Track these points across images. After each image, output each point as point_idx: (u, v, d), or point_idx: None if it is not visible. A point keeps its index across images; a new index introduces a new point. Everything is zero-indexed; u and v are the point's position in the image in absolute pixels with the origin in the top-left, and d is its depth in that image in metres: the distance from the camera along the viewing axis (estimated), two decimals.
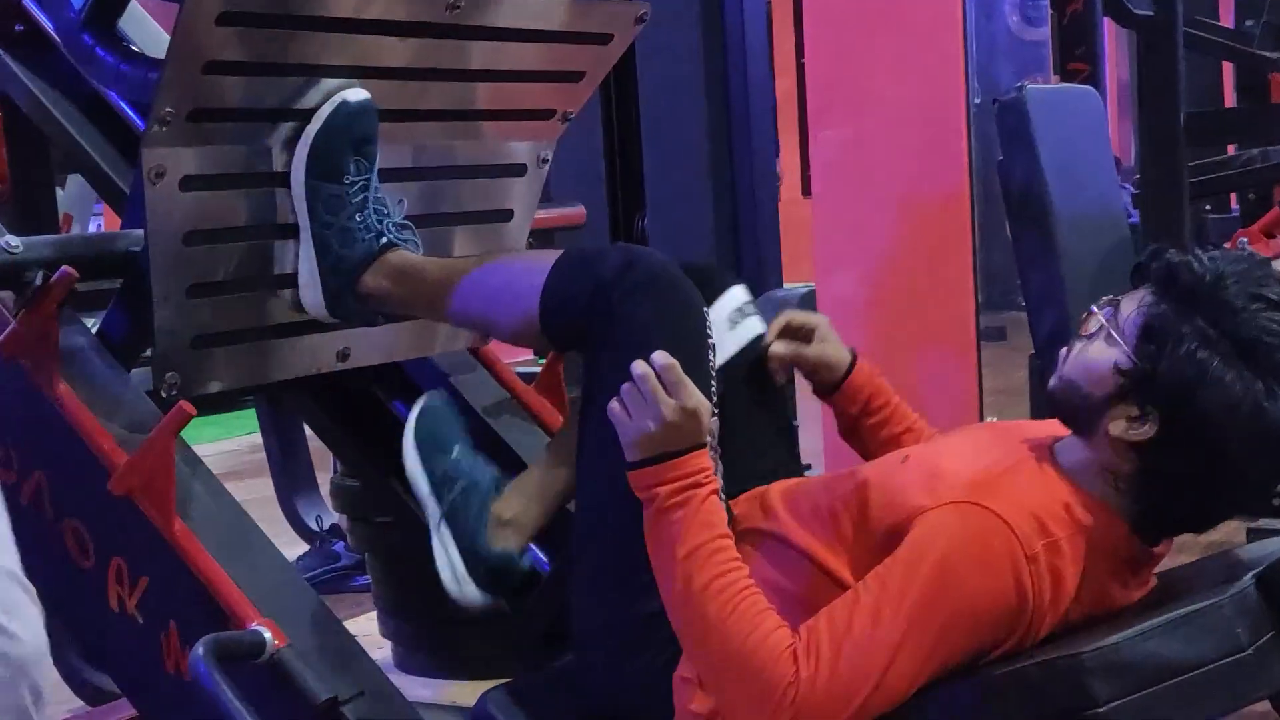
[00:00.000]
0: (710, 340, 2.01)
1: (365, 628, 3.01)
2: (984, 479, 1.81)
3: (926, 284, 3.30)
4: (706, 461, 1.85)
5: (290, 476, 4.25)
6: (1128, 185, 5.50)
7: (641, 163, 3.54)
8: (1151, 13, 4.53)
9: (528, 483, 2.24)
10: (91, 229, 6.56)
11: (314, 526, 4.19)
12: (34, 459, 2.12)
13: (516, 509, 2.21)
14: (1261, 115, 5.39)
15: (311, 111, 2.20)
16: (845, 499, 1.91)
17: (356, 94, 2.21)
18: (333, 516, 3.98)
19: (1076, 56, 4.46)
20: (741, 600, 1.78)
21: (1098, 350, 1.84)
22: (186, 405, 2.00)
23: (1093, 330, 1.87)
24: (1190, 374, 1.76)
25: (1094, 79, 4.33)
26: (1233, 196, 6.02)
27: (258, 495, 3.24)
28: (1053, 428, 2.00)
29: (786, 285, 3.50)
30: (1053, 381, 1.90)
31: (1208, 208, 5.96)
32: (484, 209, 2.43)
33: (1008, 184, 3.00)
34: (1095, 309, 1.88)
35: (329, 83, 2.20)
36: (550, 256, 2.10)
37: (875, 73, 3.32)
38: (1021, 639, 1.75)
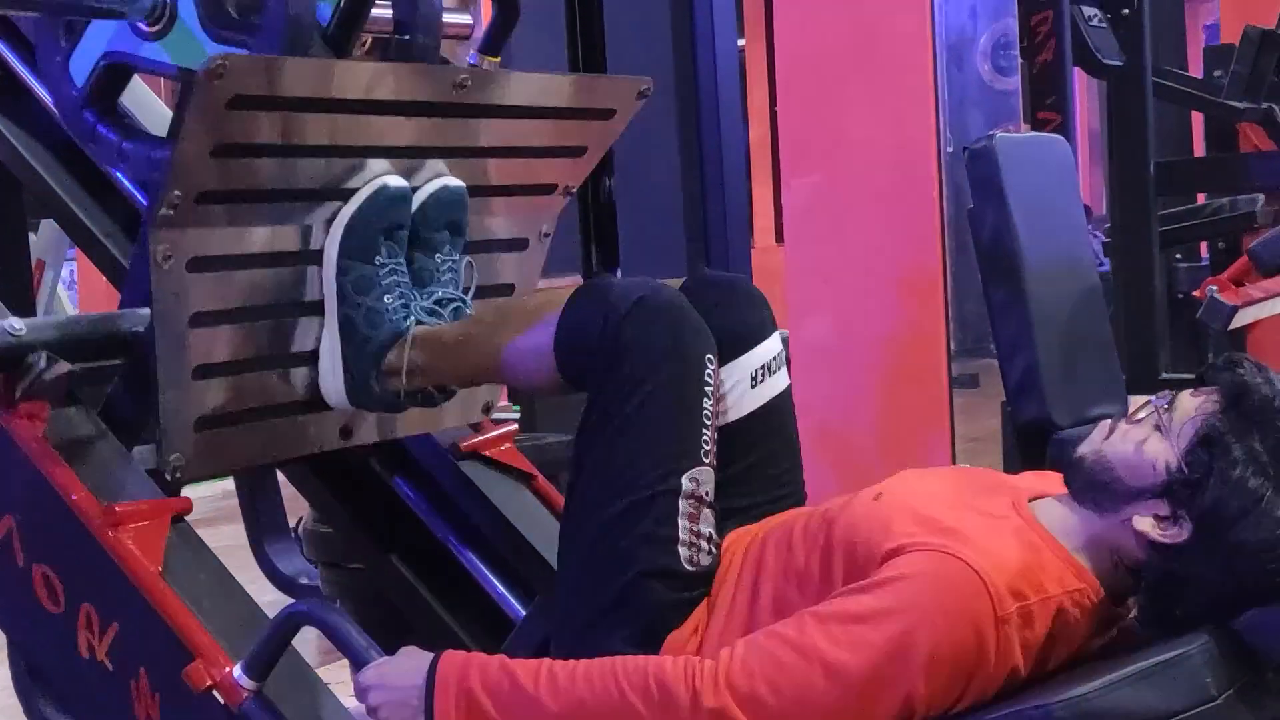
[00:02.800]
0: (708, 389, 2.01)
1: (338, 675, 2.99)
2: (964, 529, 1.79)
3: (899, 331, 3.31)
4: (452, 662, 1.83)
5: (262, 524, 4.23)
6: (1098, 233, 5.52)
7: (614, 208, 3.55)
8: (1121, 63, 4.57)
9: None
10: (64, 273, 6.53)
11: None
12: (4, 503, 2.11)
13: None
14: (1230, 164, 5.42)
15: (339, 193, 2.20)
16: (813, 537, 1.91)
17: (396, 180, 2.22)
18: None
19: (1047, 105, 4.48)
20: (595, 664, 1.78)
21: (1145, 441, 1.81)
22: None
23: (1141, 418, 1.84)
24: (1238, 499, 1.74)
25: (1064, 128, 4.36)
26: (1203, 245, 6.06)
27: (230, 542, 3.22)
28: (1031, 480, 2.00)
29: None
30: (1087, 451, 1.87)
31: (1178, 256, 5.99)
32: (488, 284, 2.43)
33: (978, 232, 3.01)
34: (1154, 400, 1.85)
35: (374, 165, 2.20)
36: (567, 293, 2.10)
37: (848, 121, 3.34)
38: (972, 696, 1.74)
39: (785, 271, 3.46)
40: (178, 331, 2.09)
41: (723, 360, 2.07)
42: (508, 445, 2.62)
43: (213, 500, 5.62)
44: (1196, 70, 6.06)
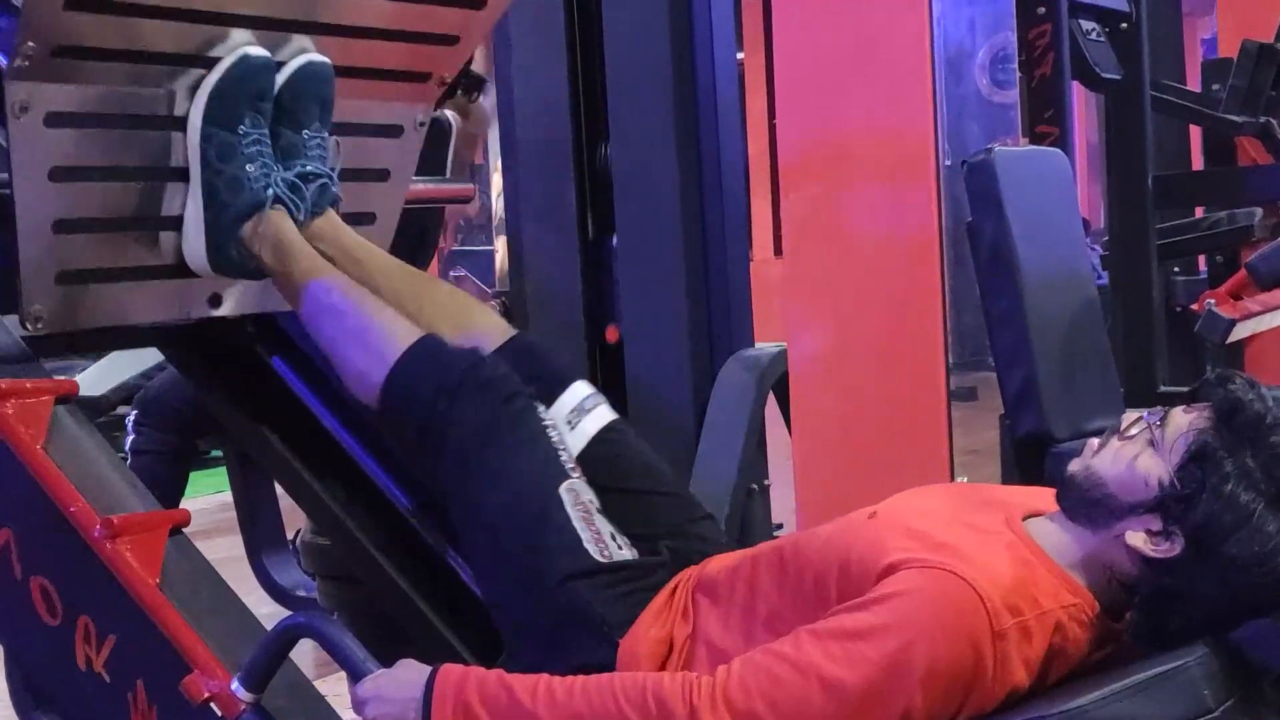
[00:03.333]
0: (546, 423, 2.14)
1: (335, 687, 2.99)
2: (959, 545, 1.80)
3: (897, 344, 3.31)
4: (450, 675, 1.85)
5: (260, 535, 4.23)
6: (1096, 247, 5.53)
7: (613, 223, 3.55)
8: (1119, 77, 4.57)
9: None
10: None
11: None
12: (1, 515, 2.11)
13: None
14: (1228, 178, 5.42)
15: (202, 60, 2.22)
16: (809, 556, 1.91)
17: (258, 50, 2.26)
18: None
19: (1045, 119, 4.49)
20: (593, 680, 1.80)
21: (1137, 457, 1.82)
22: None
23: (1134, 434, 1.85)
24: (1230, 514, 1.74)
25: (1063, 141, 4.36)
26: (1201, 258, 6.06)
27: (227, 554, 3.22)
28: (1025, 496, 2.00)
29: (758, 344, 3.50)
30: (1077, 468, 1.87)
31: (1176, 269, 5.98)
32: (360, 168, 2.45)
33: (976, 245, 3.01)
34: (1146, 415, 1.86)
35: (236, 35, 2.22)
36: (407, 334, 2.19)
37: (846, 134, 3.33)
38: (970, 711, 1.74)
39: (784, 284, 3.45)
40: (37, 184, 2.11)
41: None
42: None
43: (210, 512, 5.63)
44: (1195, 84, 6.06)
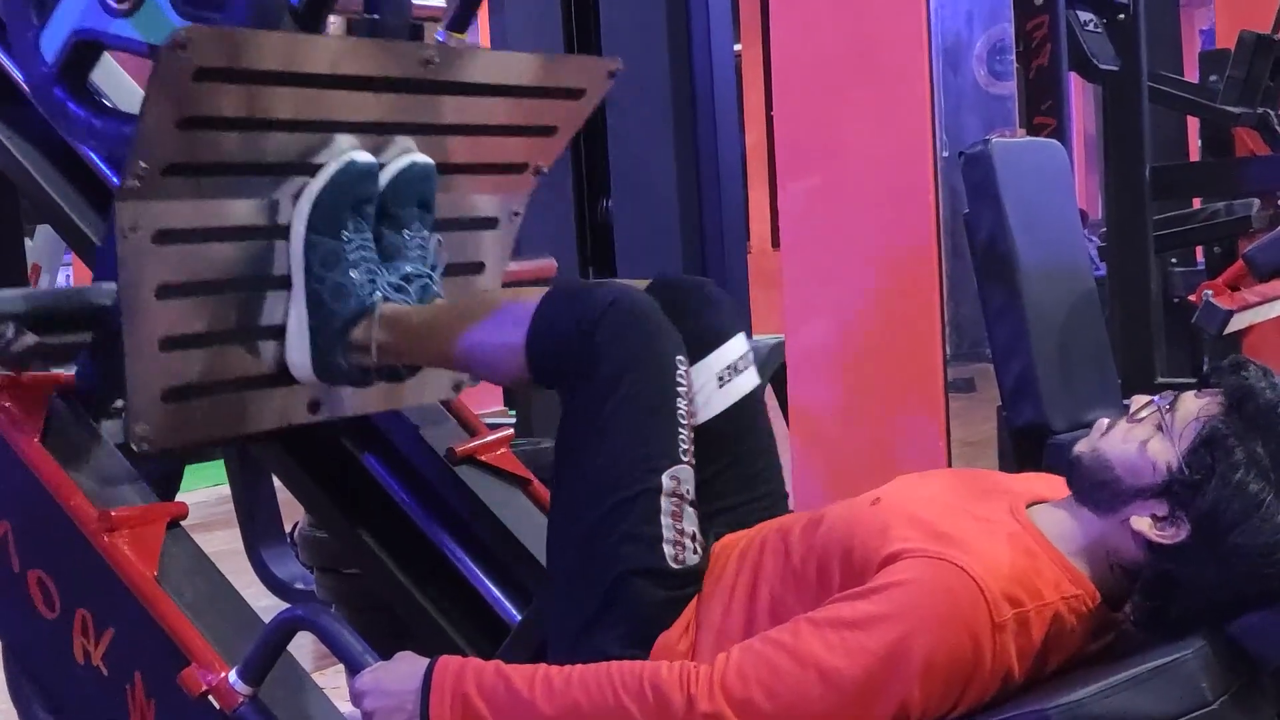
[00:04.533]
0: (680, 390, 2.02)
1: (333, 680, 2.99)
2: (961, 534, 1.79)
3: (895, 335, 3.31)
4: (448, 667, 1.83)
5: (258, 529, 4.23)
6: (1094, 238, 5.53)
7: (611, 213, 3.55)
8: (1117, 68, 4.57)
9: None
10: (61, 279, 6.52)
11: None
12: None
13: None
14: (1226, 169, 5.43)
15: (306, 168, 2.20)
16: (812, 543, 1.91)
17: (364, 156, 2.23)
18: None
19: (1043, 110, 4.49)
20: (590, 669, 1.78)
21: (1146, 441, 1.81)
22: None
23: (1143, 417, 1.84)
24: (1238, 502, 1.73)
25: (1060, 133, 4.36)
26: (1198, 249, 6.06)
27: (226, 547, 3.23)
28: (1029, 483, 2.00)
29: (756, 336, 3.51)
30: (1084, 450, 1.87)
31: (1173, 260, 5.99)
32: (457, 261, 2.43)
33: (974, 236, 3.01)
34: (1156, 399, 1.85)
35: (340, 140, 2.20)
36: (540, 291, 2.10)
37: (844, 125, 3.34)
38: (968, 703, 1.74)
39: (783, 276, 3.46)
40: (144, 303, 2.09)
41: (690, 362, 2.08)
42: (504, 450, 2.63)
43: (208, 505, 5.63)
44: (1192, 75, 6.07)
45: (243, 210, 2.19)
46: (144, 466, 2.22)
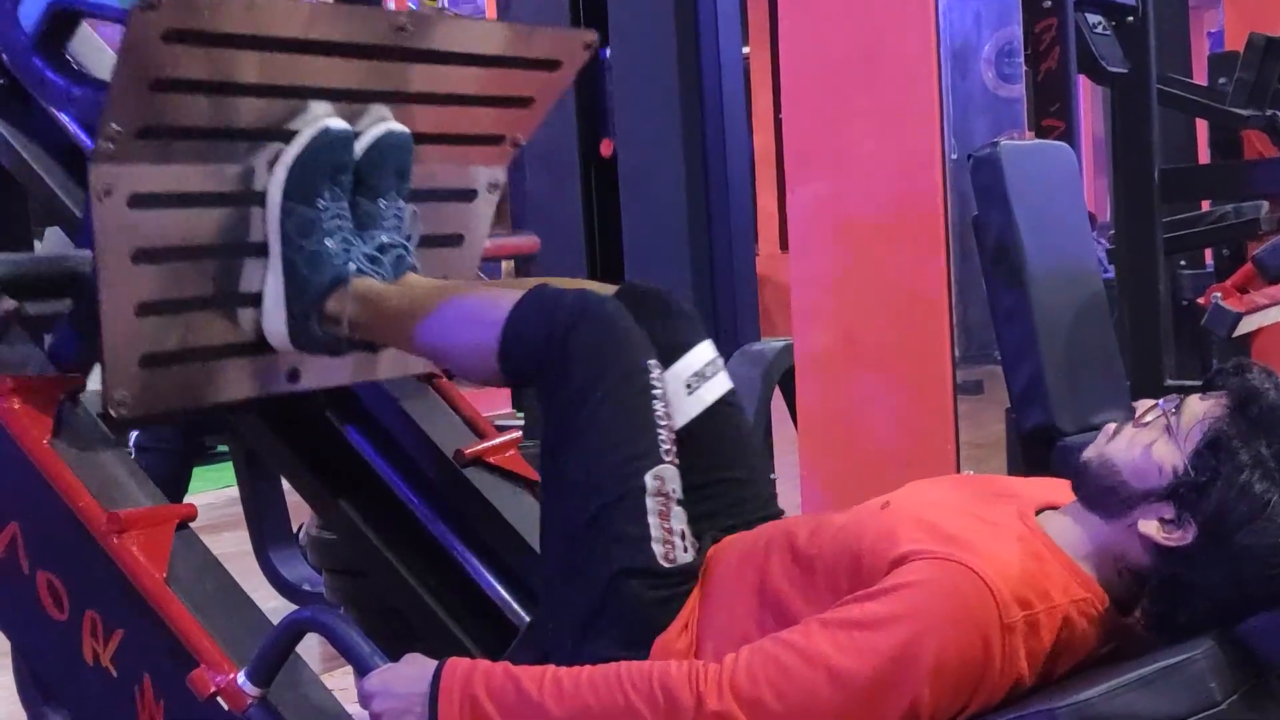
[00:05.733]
0: (655, 392, 2.03)
1: (341, 681, 2.99)
2: (970, 537, 1.79)
3: (904, 338, 3.31)
4: (456, 669, 1.83)
5: (266, 530, 4.24)
6: (1102, 240, 5.53)
7: (620, 217, 3.55)
8: (1125, 70, 4.56)
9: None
10: None
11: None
12: (8, 510, 2.12)
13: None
14: (1234, 171, 5.42)
15: (281, 134, 2.21)
16: (820, 545, 1.91)
17: (338, 123, 2.24)
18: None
19: (1051, 113, 4.48)
20: (599, 670, 1.78)
21: (1152, 444, 1.81)
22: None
23: (1149, 421, 1.84)
24: (1244, 503, 1.74)
25: (1069, 135, 4.35)
26: (1207, 252, 6.05)
27: (234, 549, 3.23)
28: (1038, 488, 2.00)
29: (765, 339, 3.50)
30: (1091, 455, 1.87)
31: (1182, 263, 5.98)
32: (434, 233, 2.44)
33: (983, 239, 3.01)
34: (1161, 403, 1.85)
35: (315, 107, 2.21)
36: (513, 293, 2.11)
37: (852, 128, 3.33)
38: (978, 704, 1.73)
39: (791, 279, 3.45)
40: (120, 267, 2.09)
41: None
42: (511, 452, 2.63)
43: (217, 507, 5.64)
44: (1201, 78, 6.06)
45: (218, 176, 2.19)
46: (143, 461, 2.22)
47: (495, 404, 2.92)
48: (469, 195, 2.52)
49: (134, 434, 3.69)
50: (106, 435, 2.20)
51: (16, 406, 2.09)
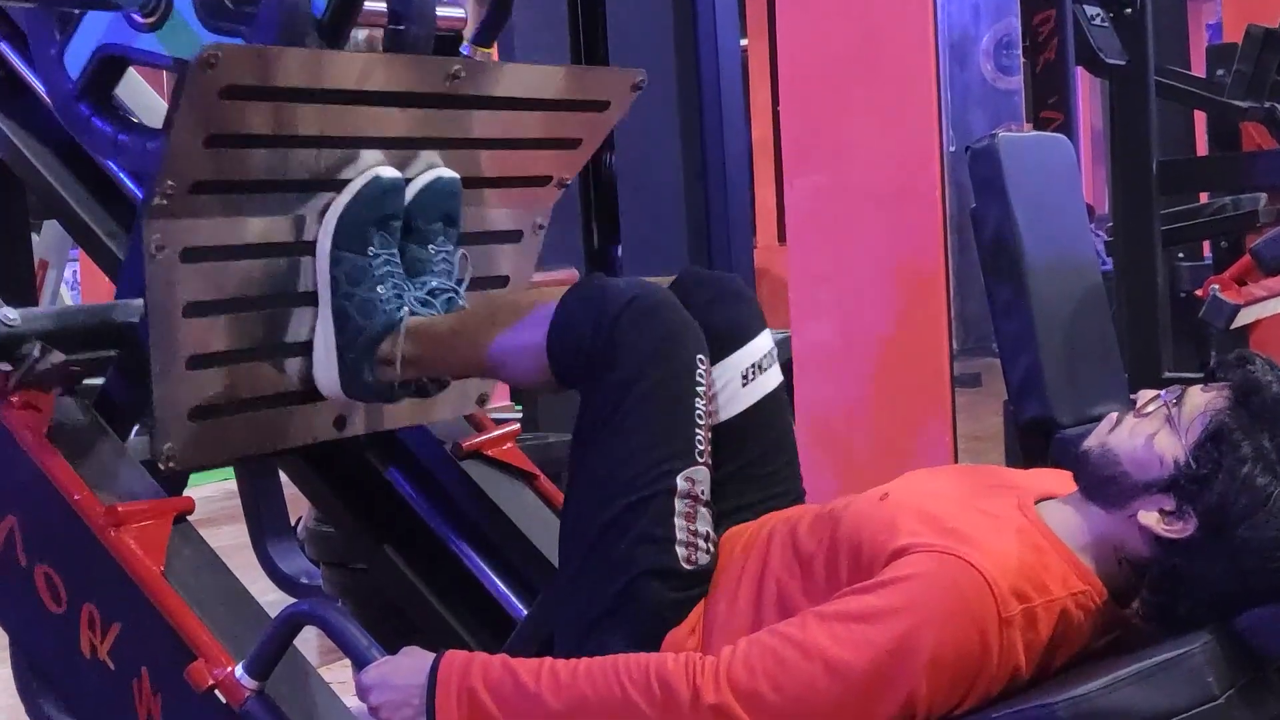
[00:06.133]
0: (699, 389, 2.01)
1: (339, 674, 2.99)
2: (969, 529, 1.79)
3: (902, 331, 3.31)
4: (454, 661, 1.83)
5: (264, 524, 4.23)
6: (1100, 233, 5.52)
7: (617, 208, 3.55)
8: (1124, 62, 4.56)
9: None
10: (68, 274, 6.52)
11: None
12: (6, 503, 2.12)
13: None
14: (1233, 163, 5.41)
15: (332, 184, 2.20)
16: (820, 536, 1.91)
17: (389, 172, 2.23)
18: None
19: (1050, 105, 4.49)
20: (596, 662, 1.78)
21: (1153, 435, 1.81)
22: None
23: (1150, 411, 1.84)
24: (1245, 496, 1.73)
25: (1067, 127, 4.36)
26: (1205, 244, 6.05)
27: (232, 542, 3.23)
28: (1037, 479, 1.99)
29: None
30: (1092, 445, 1.87)
31: (1180, 255, 5.98)
32: (481, 275, 2.43)
33: (980, 231, 3.01)
34: (1162, 394, 1.84)
35: (366, 156, 2.20)
36: (560, 293, 2.09)
37: (850, 120, 3.33)
38: (975, 698, 1.73)
39: (789, 271, 3.45)
40: (171, 321, 2.09)
41: (714, 359, 2.08)
42: (510, 445, 2.63)
43: (215, 500, 5.63)
44: (1199, 69, 6.06)
45: (269, 227, 2.18)
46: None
47: (494, 397, 2.93)
48: (515, 236, 2.53)
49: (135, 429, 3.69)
50: (104, 428, 2.19)
51: (14, 400, 2.09)
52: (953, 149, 3.39)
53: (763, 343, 2.19)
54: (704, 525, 1.99)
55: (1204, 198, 5.75)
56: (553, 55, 3.47)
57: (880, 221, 3.31)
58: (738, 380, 2.14)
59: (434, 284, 2.25)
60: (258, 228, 2.17)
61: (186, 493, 2.20)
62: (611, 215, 3.61)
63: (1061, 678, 1.76)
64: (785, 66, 3.41)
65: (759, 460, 2.14)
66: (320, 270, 2.23)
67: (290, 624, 1.94)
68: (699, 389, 2.01)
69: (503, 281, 2.52)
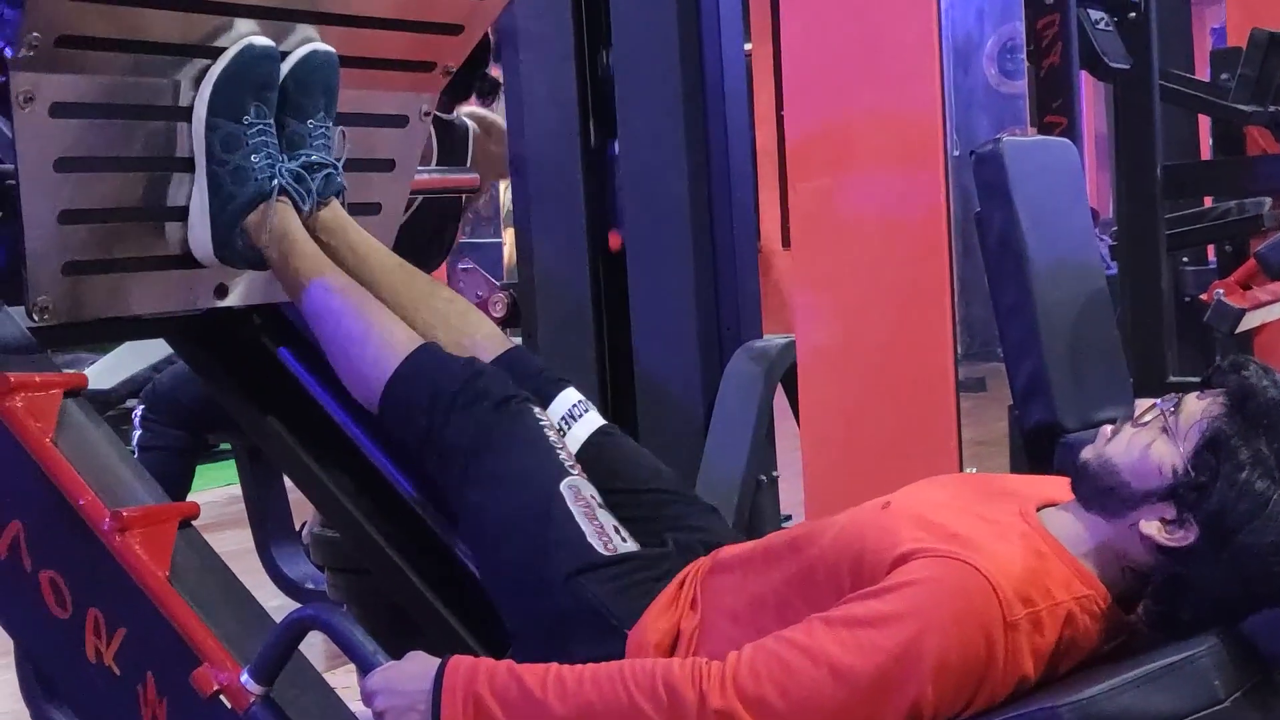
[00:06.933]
0: (544, 422, 2.17)
1: (344, 679, 2.99)
2: (972, 535, 1.79)
3: (906, 335, 3.30)
4: (459, 667, 1.85)
5: (269, 528, 4.23)
6: (1105, 237, 5.53)
7: (621, 213, 3.54)
8: (1128, 66, 4.56)
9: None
10: None
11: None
12: (11, 508, 2.12)
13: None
14: (1237, 168, 5.41)
15: (207, 50, 2.24)
16: (821, 547, 1.91)
17: (262, 40, 2.28)
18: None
19: (1054, 109, 4.48)
20: (602, 668, 1.80)
21: (1151, 444, 1.81)
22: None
23: (1147, 421, 1.84)
24: (1244, 502, 1.74)
25: (1071, 131, 4.35)
26: (1210, 248, 6.05)
27: (237, 547, 3.23)
28: (1039, 486, 1.99)
29: (766, 336, 3.50)
30: (1090, 455, 1.87)
31: (1185, 259, 5.98)
32: (366, 157, 2.46)
33: (985, 235, 3.01)
34: (1159, 402, 1.85)
35: (241, 25, 2.24)
36: (407, 344, 2.23)
37: (854, 124, 3.33)
38: (981, 702, 1.73)
39: (792, 275, 3.45)
40: (41, 175, 2.13)
41: None
42: None
43: (220, 505, 5.64)
44: (1203, 74, 6.06)
45: (143, 89, 2.22)
46: (146, 459, 2.23)
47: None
48: (400, 121, 2.56)
49: (136, 434, 3.69)
50: (109, 432, 2.20)
51: (18, 404, 2.09)
52: (957, 153, 3.39)
53: (568, 396, 2.32)
54: (608, 520, 2.09)
55: (1208, 202, 5.74)
56: (556, 59, 3.46)
57: (885, 226, 3.30)
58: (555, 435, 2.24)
59: (312, 158, 2.30)
60: (131, 89, 2.21)
61: (191, 498, 2.20)
62: (616, 221, 3.60)
63: (1066, 681, 1.76)
64: (789, 71, 3.41)
65: (622, 490, 2.21)
66: (196, 135, 2.28)
67: (295, 629, 1.94)
68: (543, 422, 2.16)
69: (388, 165, 2.56)
